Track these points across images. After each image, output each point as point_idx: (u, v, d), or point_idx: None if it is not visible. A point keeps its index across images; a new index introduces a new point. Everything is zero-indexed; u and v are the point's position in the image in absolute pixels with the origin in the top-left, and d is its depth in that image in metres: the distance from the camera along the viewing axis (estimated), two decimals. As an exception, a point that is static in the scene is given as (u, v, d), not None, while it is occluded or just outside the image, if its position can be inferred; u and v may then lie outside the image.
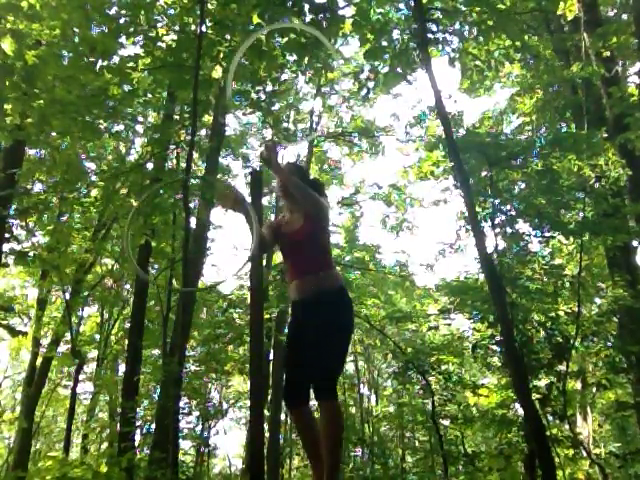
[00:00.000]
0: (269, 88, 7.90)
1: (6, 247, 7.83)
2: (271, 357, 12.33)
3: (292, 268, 3.05)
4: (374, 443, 14.29)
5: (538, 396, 7.23)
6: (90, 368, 15.93)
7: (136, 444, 9.87)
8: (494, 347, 8.27)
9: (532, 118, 11.80)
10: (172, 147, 9.15)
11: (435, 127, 12.73)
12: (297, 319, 3.03)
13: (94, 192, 8.48)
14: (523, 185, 8.05)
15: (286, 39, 6.94)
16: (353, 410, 17.09)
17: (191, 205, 9.51)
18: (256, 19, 6.83)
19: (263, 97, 7.89)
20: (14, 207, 8.11)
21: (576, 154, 7.66)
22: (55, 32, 6.71)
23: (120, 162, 11.04)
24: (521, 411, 7.33)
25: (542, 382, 7.53)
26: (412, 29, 7.55)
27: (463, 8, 7.53)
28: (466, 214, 7.18)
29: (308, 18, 6.83)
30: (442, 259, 11.14)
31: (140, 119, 9.32)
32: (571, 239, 8.48)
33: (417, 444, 15.02)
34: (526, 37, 8.40)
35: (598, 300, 10.00)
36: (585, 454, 8.88)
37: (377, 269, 14.24)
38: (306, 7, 6.80)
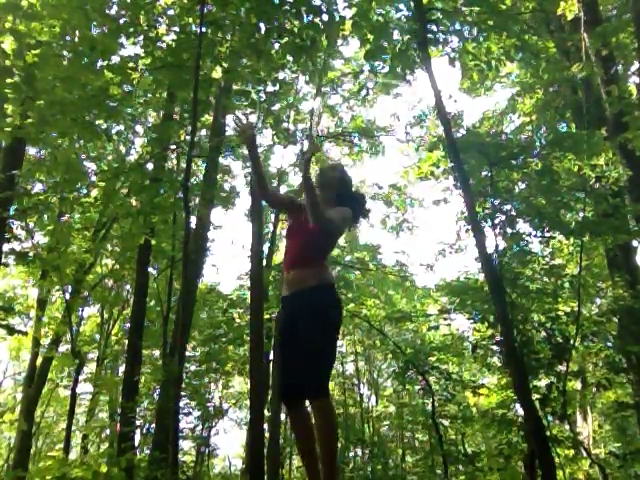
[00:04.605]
0: (269, 88, 7.90)
1: (6, 247, 7.82)
2: (271, 357, 12.32)
3: (290, 255, 2.99)
4: (374, 443, 14.28)
5: (538, 396, 7.22)
6: (90, 368, 15.94)
7: (136, 444, 9.88)
8: (494, 347, 8.27)
9: (532, 118, 11.80)
10: (172, 147, 9.15)
11: (435, 127, 12.75)
12: (288, 315, 2.95)
13: (94, 192, 8.47)
14: (523, 185, 8.04)
15: (284, 40, 6.94)
16: (353, 410, 17.05)
17: (191, 204, 9.50)
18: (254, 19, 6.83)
19: (263, 97, 7.89)
20: (14, 207, 8.10)
21: (576, 154, 7.65)
22: (55, 31, 6.70)
23: (120, 162, 11.03)
24: (521, 411, 7.32)
25: (542, 382, 7.53)
26: (412, 29, 7.54)
27: (463, 8, 7.53)
28: (466, 214, 7.18)
29: (305, 20, 6.82)
30: (442, 259, 11.13)
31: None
32: (571, 239, 8.48)
33: (417, 444, 15.02)
34: (526, 37, 8.39)
35: (598, 300, 10.00)
36: (585, 454, 8.88)
37: (377, 269, 14.23)
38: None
